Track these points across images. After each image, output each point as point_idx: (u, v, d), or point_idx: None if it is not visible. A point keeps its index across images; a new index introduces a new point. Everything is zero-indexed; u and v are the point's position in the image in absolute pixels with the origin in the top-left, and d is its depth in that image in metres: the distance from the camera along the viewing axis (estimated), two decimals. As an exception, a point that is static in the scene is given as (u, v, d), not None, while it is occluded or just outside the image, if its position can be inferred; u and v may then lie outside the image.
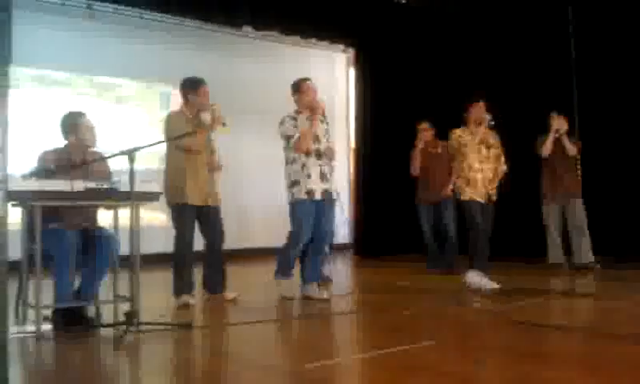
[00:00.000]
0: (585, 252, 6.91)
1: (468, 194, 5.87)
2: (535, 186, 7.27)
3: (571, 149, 7.02)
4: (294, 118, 5.46)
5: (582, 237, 6.93)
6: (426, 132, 7.44)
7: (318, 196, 5.36)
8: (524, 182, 7.59)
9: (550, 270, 6.98)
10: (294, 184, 5.40)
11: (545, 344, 3.78)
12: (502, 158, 5.99)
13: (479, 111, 5.91)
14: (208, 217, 5.37)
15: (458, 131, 5.98)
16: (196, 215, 5.33)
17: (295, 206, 5.40)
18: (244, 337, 4.22)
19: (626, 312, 4.67)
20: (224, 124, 5.19)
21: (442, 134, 6.88)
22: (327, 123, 5.64)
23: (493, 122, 5.86)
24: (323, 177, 5.41)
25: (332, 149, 5.53)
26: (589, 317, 4.84)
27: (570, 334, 4.04)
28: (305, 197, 5.34)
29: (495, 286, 5.71)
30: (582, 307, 5.18)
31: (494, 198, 5.94)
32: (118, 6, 8.46)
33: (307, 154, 5.36)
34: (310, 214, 5.38)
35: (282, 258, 5.57)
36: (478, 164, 5.88)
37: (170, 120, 5.36)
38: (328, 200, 5.45)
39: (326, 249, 5.67)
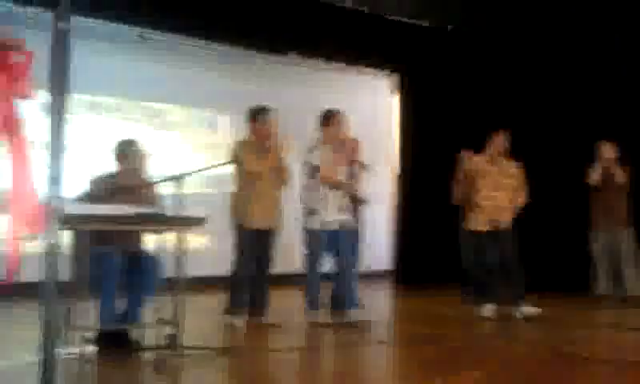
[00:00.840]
0: (634, 284, 6.73)
1: (470, 222, 6.13)
2: (584, 216, 7.12)
3: (620, 176, 6.88)
4: (320, 149, 5.59)
5: (632, 268, 6.76)
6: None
7: (334, 226, 5.51)
8: (572, 212, 7.45)
9: (598, 302, 6.81)
10: (310, 212, 5.55)
11: (592, 379, 3.68)
12: (521, 191, 6.07)
13: (500, 141, 6.10)
14: (265, 241, 5.49)
15: (475, 158, 6.24)
16: (256, 238, 5.43)
17: (309, 235, 5.56)
18: (284, 363, 4.23)
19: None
20: (284, 149, 5.44)
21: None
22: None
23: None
24: (340, 208, 5.55)
25: (351, 184, 5.70)
26: (638, 351, 4.69)
27: (620, 368, 3.93)
28: (319, 227, 5.49)
29: (537, 310, 5.68)
30: (631, 341, 5.04)
31: (503, 226, 5.96)
32: (168, 34, 8.67)
33: (328, 185, 5.50)
34: (324, 242, 5.51)
35: (307, 290, 5.65)
36: (488, 191, 6.03)
37: (236, 147, 5.54)
38: (345, 230, 5.57)
39: (354, 273, 5.77)
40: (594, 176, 6.90)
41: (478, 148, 7.33)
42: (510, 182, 6.06)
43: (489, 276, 5.99)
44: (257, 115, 5.55)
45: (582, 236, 7.12)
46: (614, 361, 4.12)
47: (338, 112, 5.66)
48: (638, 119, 7.66)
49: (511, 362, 4.22)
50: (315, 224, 5.52)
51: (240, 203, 5.42)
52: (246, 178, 5.41)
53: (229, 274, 5.48)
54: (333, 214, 5.51)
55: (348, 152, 5.62)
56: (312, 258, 5.58)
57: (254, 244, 5.42)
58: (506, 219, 5.99)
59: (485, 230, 6.00)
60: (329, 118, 5.64)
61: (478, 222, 6.04)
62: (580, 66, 8.16)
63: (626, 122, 7.71)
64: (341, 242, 5.56)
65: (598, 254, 6.99)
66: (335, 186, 5.54)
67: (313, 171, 5.54)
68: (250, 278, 5.49)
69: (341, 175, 5.60)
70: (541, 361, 4.26)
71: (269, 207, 5.45)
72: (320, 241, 5.52)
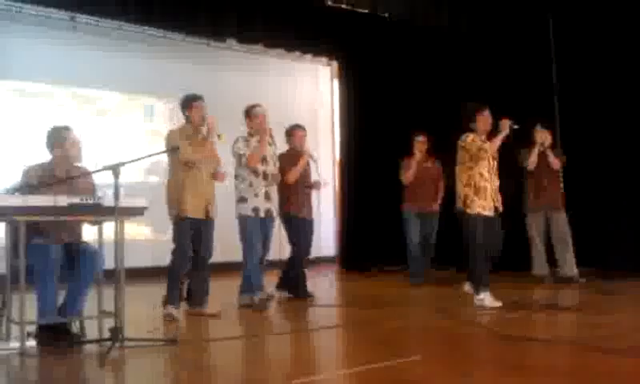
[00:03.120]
0: (569, 265, 6.96)
1: (476, 206, 5.53)
2: (518, 199, 7.32)
3: (555, 162, 7.10)
4: (246, 140, 5.95)
5: (566, 249, 6.98)
6: (423, 144, 7.51)
7: (261, 214, 5.85)
8: (507, 195, 7.64)
9: (535, 283, 7.00)
10: (241, 200, 5.86)
11: (530, 357, 3.79)
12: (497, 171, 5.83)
13: (486, 118, 5.71)
14: (202, 230, 5.43)
15: (472, 135, 5.63)
16: (193, 228, 5.38)
17: (244, 222, 5.84)
18: (229, 352, 4.20)
19: (610, 325, 4.69)
20: (219, 135, 5.35)
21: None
22: (275, 145, 6.15)
23: (517, 126, 5.70)
24: (268, 197, 5.90)
25: (278, 175, 6.03)
26: (573, 330, 4.85)
27: (555, 347, 4.05)
28: (252, 214, 5.80)
29: (498, 303, 5.48)
30: (566, 320, 5.21)
31: (500, 209, 5.73)
32: (101, 19, 8.42)
33: (256, 174, 5.83)
34: (258, 228, 5.82)
35: (245, 276, 5.91)
36: (488, 173, 5.63)
37: (170, 136, 5.46)
38: (270, 219, 5.95)
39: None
40: (532, 159, 7.08)
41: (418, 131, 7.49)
42: (496, 163, 5.76)
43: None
44: (187, 104, 5.50)
45: (522, 217, 7.30)
46: (547, 340, 4.25)
47: (259, 106, 6.03)
48: (570, 104, 7.92)
49: (452, 343, 4.30)
50: (247, 211, 5.80)
51: (176, 193, 5.34)
52: (182, 167, 5.33)
53: (168, 264, 5.38)
54: (261, 202, 5.84)
55: (269, 137, 5.99)
56: (249, 246, 5.79)
57: (190, 234, 5.36)
58: (500, 203, 5.74)
59: (490, 214, 5.62)
60: (250, 112, 6.00)
61: (484, 207, 5.57)
62: (514, 50, 8.37)
63: (559, 106, 7.98)
64: (265, 230, 5.90)
65: (534, 236, 7.19)
66: (263, 175, 5.84)
67: (240, 159, 5.86)
68: (190, 269, 5.43)
69: (265, 165, 5.91)
70: (480, 341, 4.36)
71: (204, 196, 5.41)
72: (254, 227, 5.80)
